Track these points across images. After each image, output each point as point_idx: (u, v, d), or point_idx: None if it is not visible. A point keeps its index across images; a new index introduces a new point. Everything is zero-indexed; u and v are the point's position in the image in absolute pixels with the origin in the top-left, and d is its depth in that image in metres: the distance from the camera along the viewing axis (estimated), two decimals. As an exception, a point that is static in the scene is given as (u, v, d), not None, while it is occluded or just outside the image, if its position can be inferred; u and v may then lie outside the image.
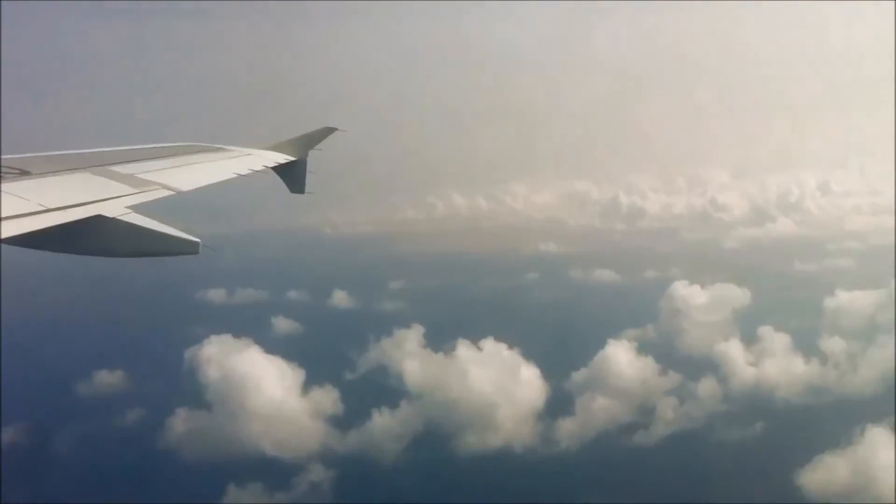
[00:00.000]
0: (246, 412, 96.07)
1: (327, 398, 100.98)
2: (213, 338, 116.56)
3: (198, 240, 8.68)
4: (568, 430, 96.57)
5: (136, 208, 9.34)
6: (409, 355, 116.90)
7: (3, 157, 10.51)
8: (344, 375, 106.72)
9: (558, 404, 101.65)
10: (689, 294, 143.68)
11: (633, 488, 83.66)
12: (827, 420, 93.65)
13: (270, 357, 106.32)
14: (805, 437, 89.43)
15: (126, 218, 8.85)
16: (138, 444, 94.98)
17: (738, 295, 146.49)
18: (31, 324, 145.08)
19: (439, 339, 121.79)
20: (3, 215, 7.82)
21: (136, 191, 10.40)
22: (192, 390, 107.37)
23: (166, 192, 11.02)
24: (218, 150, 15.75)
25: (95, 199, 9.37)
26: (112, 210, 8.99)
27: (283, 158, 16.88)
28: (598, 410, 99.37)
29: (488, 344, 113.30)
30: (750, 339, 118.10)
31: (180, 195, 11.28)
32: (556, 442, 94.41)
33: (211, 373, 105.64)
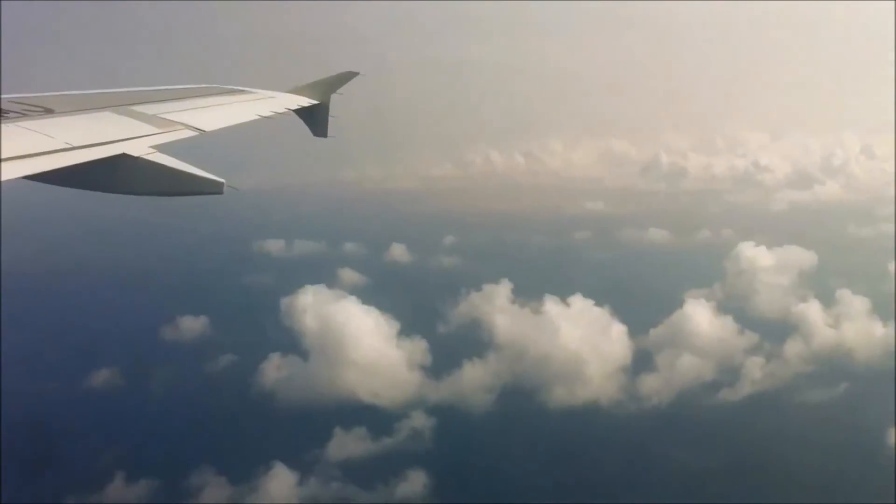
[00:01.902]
0: (339, 360, 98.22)
1: (417, 349, 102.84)
2: (308, 287, 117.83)
3: (222, 180, 8.70)
4: (652, 386, 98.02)
5: (160, 148, 9.43)
6: (479, 309, 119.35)
7: (27, 94, 10.74)
8: (428, 328, 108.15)
9: (640, 361, 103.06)
10: (756, 255, 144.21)
11: (719, 445, 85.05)
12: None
13: (365, 307, 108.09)
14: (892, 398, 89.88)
15: (150, 157, 8.95)
16: (234, 389, 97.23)
17: (804, 257, 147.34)
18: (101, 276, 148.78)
19: (490, 293, 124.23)
20: (30, 152, 8.00)
21: (160, 130, 10.45)
22: (277, 337, 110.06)
23: (190, 133, 11.05)
24: (240, 92, 15.73)
25: (119, 138, 9.48)
26: (136, 149, 9.06)
27: (305, 102, 16.92)
28: (680, 368, 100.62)
29: (554, 300, 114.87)
30: (824, 301, 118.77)
31: (204, 136, 11.30)
32: (641, 398, 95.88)
33: (304, 321, 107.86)
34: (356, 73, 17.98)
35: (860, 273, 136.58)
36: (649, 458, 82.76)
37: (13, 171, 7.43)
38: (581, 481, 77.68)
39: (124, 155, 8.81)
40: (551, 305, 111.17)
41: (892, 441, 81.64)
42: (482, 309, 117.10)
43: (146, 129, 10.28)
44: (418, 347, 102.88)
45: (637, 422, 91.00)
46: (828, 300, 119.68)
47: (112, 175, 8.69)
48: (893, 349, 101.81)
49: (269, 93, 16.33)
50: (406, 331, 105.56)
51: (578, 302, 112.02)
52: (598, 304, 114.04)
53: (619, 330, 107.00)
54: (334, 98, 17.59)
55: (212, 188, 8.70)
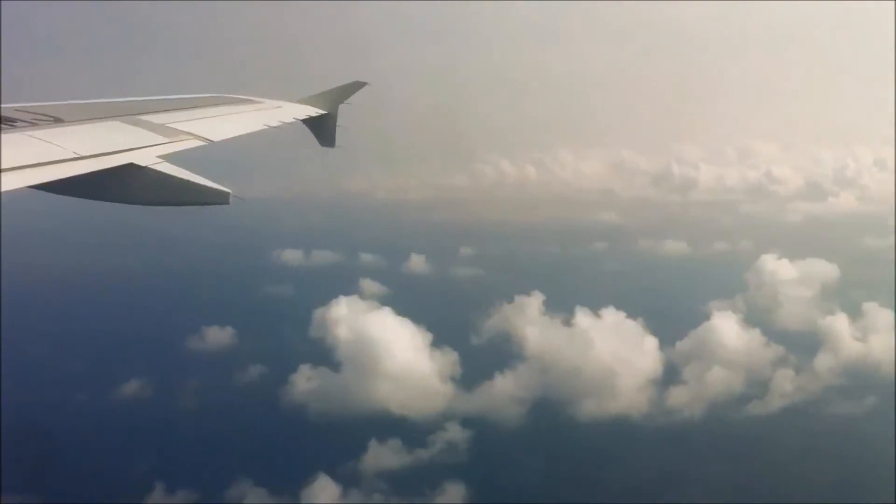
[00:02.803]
0: (372, 371, 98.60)
1: (447, 361, 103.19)
2: (341, 298, 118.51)
3: (228, 190, 8.73)
4: (681, 399, 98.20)
5: (167, 157, 9.45)
6: (508, 321, 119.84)
7: (37, 103, 10.73)
8: (456, 339, 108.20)
9: (667, 373, 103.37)
10: (777, 268, 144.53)
11: (750, 458, 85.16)
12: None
13: (397, 319, 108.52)
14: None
15: (157, 167, 8.97)
16: (265, 400, 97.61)
17: (826, 270, 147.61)
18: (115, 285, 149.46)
19: (519, 305, 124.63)
20: (39, 161, 7.99)
21: (168, 140, 10.46)
22: (305, 348, 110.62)
23: (197, 143, 11.05)
24: (248, 101, 15.71)
25: (127, 147, 9.49)
26: (143, 159, 9.08)
27: (313, 111, 16.81)
28: (709, 380, 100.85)
29: (583, 311, 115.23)
30: (848, 314, 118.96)
31: (212, 146, 11.27)
32: (671, 410, 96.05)
33: (335, 331, 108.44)
34: (364, 84, 17.96)
35: (882, 285, 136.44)
36: (680, 471, 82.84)
37: (21, 180, 7.51)
38: (614, 495, 77.83)
39: (132, 164, 8.87)
40: (579, 317, 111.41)
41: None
42: (511, 321, 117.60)
43: (154, 138, 10.37)
44: (448, 359, 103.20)
45: (667, 435, 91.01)
46: (851, 313, 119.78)
47: (119, 185, 8.75)
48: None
49: (277, 102, 16.40)
50: (435, 342, 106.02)
51: (607, 314, 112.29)
52: (609, 316, 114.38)
53: (647, 342, 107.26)
54: (342, 107, 17.56)
55: (218, 198, 8.81)
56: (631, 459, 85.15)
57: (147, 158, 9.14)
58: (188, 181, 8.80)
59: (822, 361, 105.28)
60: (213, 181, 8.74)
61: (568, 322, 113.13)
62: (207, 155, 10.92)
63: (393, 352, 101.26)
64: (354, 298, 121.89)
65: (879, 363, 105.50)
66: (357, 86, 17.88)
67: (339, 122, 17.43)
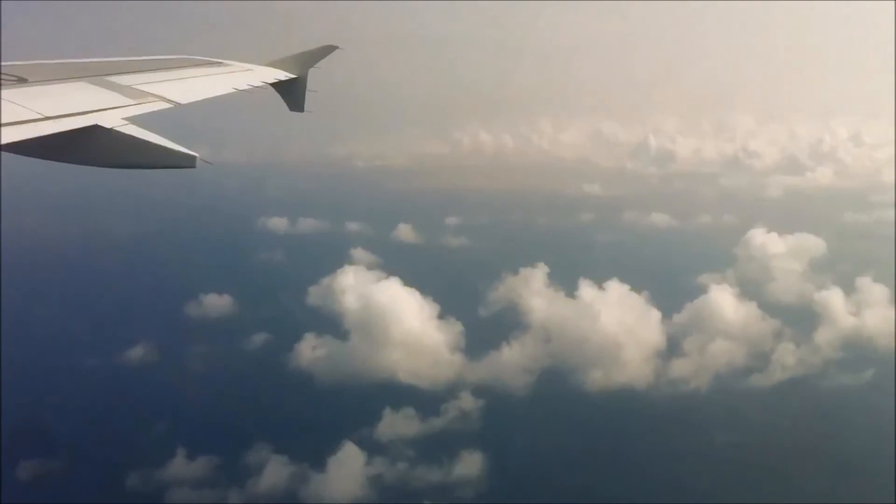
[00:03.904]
0: (380, 340, 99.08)
1: (452, 331, 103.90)
2: (347, 267, 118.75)
3: (195, 154, 8.47)
4: (684, 370, 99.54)
5: (133, 119, 9.20)
6: (508, 291, 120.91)
7: (1, 63, 10.39)
8: (459, 309, 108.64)
9: (668, 345, 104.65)
10: (766, 241, 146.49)
11: (756, 429, 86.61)
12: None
13: (401, 289, 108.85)
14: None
15: (123, 129, 8.77)
16: (272, 367, 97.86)
17: (814, 244, 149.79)
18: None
19: (521, 277, 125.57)
20: (3, 122, 7.82)
21: (134, 102, 10.29)
22: (307, 317, 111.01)
23: (164, 105, 10.88)
24: (217, 64, 15.39)
25: (93, 108, 9.30)
26: (109, 120, 8.89)
27: (282, 75, 16.52)
28: (711, 353, 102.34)
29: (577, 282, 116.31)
30: (842, 288, 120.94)
31: (183, 110, 11.10)
32: (675, 381, 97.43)
33: (342, 300, 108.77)
34: (335, 48, 17.66)
35: (870, 260, 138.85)
36: (688, 441, 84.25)
37: None
38: (627, 464, 79.09)
39: (97, 126, 8.67)
40: (579, 289, 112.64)
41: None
42: (513, 291, 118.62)
43: (120, 100, 10.19)
44: (454, 329, 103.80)
45: (673, 405, 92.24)
46: (843, 287, 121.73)
47: (84, 146, 8.53)
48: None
49: (246, 65, 16.11)
50: (440, 312, 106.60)
51: (608, 286, 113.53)
52: (609, 288, 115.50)
53: (648, 314, 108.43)
54: (317, 72, 17.23)
55: (184, 161, 8.47)
56: (640, 429, 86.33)
57: (113, 120, 8.93)
58: (154, 144, 8.53)
59: (821, 335, 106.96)
60: (183, 145, 8.46)
61: (569, 293, 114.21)
62: (176, 118, 10.82)
63: (399, 321, 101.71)
64: (357, 268, 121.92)
65: (875, 336, 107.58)
66: (328, 50, 17.56)
67: (309, 86, 17.09)
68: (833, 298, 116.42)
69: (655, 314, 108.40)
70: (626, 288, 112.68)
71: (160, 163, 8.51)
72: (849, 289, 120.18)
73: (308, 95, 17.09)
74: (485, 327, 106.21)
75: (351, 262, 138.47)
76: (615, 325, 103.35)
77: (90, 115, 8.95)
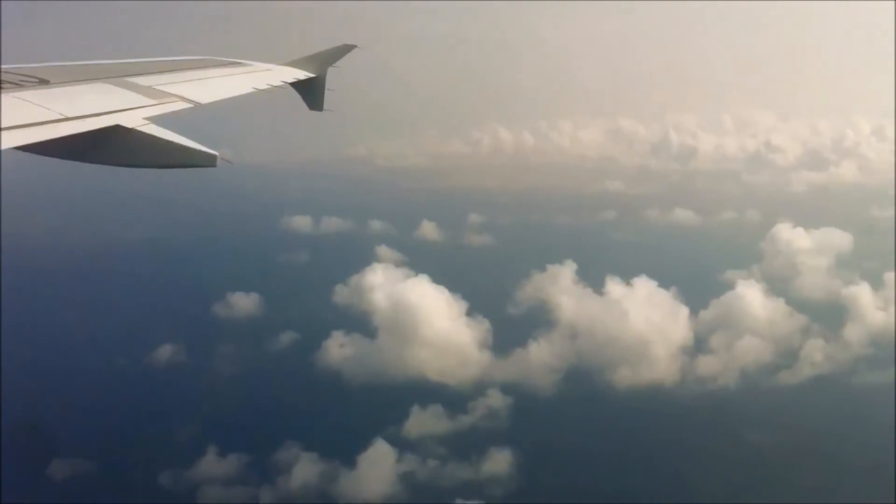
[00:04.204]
0: (407, 338, 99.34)
1: (479, 329, 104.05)
2: (375, 265, 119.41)
3: (215, 153, 8.51)
4: (711, 367, 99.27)
5: (154, 119, 9.28)
6: (532, 289, 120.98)
7: (23, 65, 10.56)
8: (486, 307, 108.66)
9: (695, 342, 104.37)
10: (793, 237, 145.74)
11: (786, 427, 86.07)
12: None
13: (428, 287, 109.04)
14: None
15: (144, 129, 8.84)
16: (301, 366, 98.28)
17: (840, 239, 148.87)
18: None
19: (547, 274, 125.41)
20: (25, 122, 7.95)
21: (155, 102, 10.38)
22: (334, 315, 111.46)
23: (185, 105, 10.98)
24: (236, 64, 15.49)
25: (114, 109, 9.37)
26: (130, 121, 8.97)
27: (301, 74, 16.59)
28: (738, 349, 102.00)
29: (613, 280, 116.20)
30: (870, 284, 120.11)
31: (203, 110, 11.21)
32: (703, 379, 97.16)
33: (370, 299, 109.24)
34: (353, 46, 17.70)
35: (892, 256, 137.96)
36: (719, 439, 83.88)
37: (7, 141, 7.48)
38: (658, 461, 78.96)
39: (118, 126, 8.76)
40: (606, 286, 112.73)
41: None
42: (540, 289, 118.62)
43: (141, 100, 10.28)
44: (481, 327, 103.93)
45: (703, 403, 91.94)
46: (871, 282, 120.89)
47: (106, 146, 8.61)
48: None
49: (266, 65, 16.23)
50: (467, 310, 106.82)
51: (635, 283, 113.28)
52: (635, 285, 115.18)
53: (676, 311, 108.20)
54: (337, 72, 17.29)
55: (205, 161, 8.53)
56: (668, 427, 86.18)
57: (134, 120, 9.04)
58: (175, 143, 8.60)
59: (850, 331, 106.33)
60: (204, 145, 8.51)
61: (596, 291, 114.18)
62: (197, 119, 10.90)
63: (427, 319, 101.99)
64: (384, 266, 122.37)
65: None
66: (346, 49, 17.66)
67: (328, 85, 17.23)
68: (861, 294, 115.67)
69: (683, 311, 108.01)
70: (653, 285, 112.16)
71: (181, 162, 8.63)
72: (877, 284, 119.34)
73: (327, 94, 17.27)
74: (512, 325, 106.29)
75: (376, 260, 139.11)
76: (642, 322, 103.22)
77: (111, 115, 9.07)
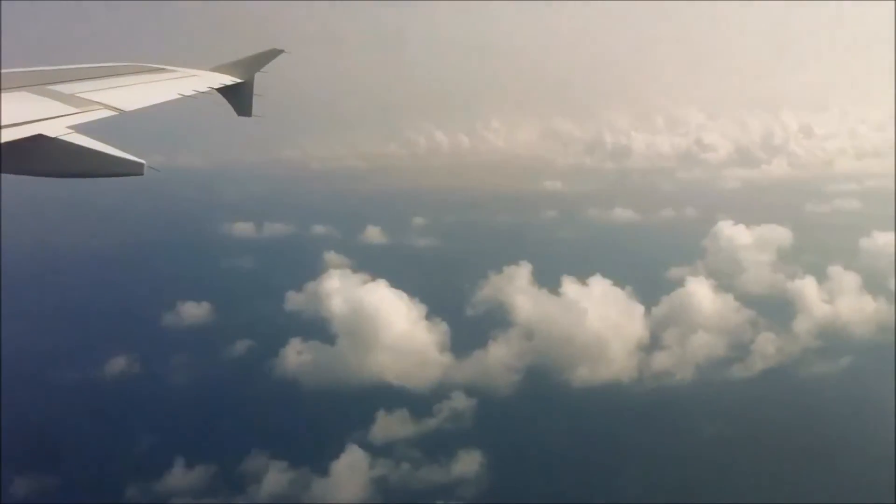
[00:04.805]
0: (366, 343, 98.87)
1: (436, 331, 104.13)
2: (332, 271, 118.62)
3: (142, 161, 8.29)
4: (666, 363, 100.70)
5: (78, 128, 9.03)
6: (486, 291, 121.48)
7: None
8: (441, 309, 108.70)
9: (650, 339, 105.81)
10: (734, 233, 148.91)
11: (742, 419, 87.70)
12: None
13: (392, 291, 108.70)
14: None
15: (68, 137, 8.57)
16: (260, 374, 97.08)
17: (780, 235, 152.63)
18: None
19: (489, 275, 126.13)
20: None
21: (78, 110, 10.08)
22: (289, 322, 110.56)
23: (109, 112, 10.68)
24: (161, 70, 15.16)
25: (35, 118, 9.10)
26: (53, 130, 8.69)
27: (228, 80, 16.35)
28: (691, 344, 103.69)
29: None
30: (814, 278, 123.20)
31: (129, 117, 10.94)
32: (659, 374, 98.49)
33: (328, 305, 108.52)
34: (281, 51, 17.48)
35: (833, 249, 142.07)
36: (677, 433, 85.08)
37: None
38: (622, 458, 79.71)
39: (40, 136, 8.47)
40: (545, 285, 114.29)
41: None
42: (493, 291, 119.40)
43: (63, 108, 9.97)
44: (439, 330, 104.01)
45: (659, 398, 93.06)
46: (814, 276, 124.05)
47: (28, 157, 8.28)
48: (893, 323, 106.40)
49: (192, 71, 15.92)
50: (422, 313, 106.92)
51: (572, 281, 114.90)
52: (586, 284, 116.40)
53: (628, 308, 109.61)
54: (267, 77, 17.12)
55: (131, 169, 8.31)
56: (627, 423, 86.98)
57: (57, 129, 8.74)
58: (100, 152, 8.36)
59: (798, 324, 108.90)
60: (134, 153, 8.30)
61: (551, 290, 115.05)
62: (124, 126, 10.73)
63: (387, 323, 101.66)
64: (340, 272, 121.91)
65: (850, 324, 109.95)
66: (273, 53, 17.42)
67: (256, 90, 17.02)
68: (806, 287, 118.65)
69: (637, 308, 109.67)
70: (607, 283, 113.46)
71: (107, 171, 8.37)
72: (820, 278, 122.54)
73: (257, 99, 17.05)
74: (470, 327, 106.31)
75: (325, 265, 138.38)
76: (597, 320, 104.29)
77: (33, 124, 8.77)
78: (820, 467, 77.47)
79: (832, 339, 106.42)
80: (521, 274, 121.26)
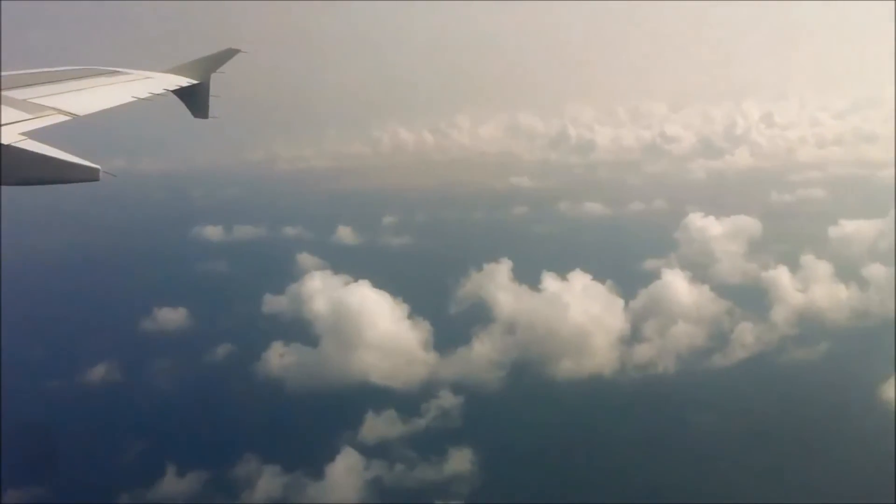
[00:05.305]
0: (348, 344, 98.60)
1: (419, 330, 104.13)
2: (314, 273, 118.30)
3: (97, 166, 8.16)
4: (647, 354, 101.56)
5: (31, 134, 8.84)
6: (464, 288, 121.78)
7: None
8: (423, 308, 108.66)
9: (631, 331, 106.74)
10: (705, 225, 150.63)
11: (721, 407, 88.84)
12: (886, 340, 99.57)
13: (373, 291, 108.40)
14: (874, 356, 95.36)
15: (21, 144, 8.40)
16: (243, 378, 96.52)
17: (750, 225, 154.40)
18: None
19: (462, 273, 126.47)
20: None
21: (31, 116, 9.97)
22: (269, 325, 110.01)
23: (62, 117, 10.54)
24: (115, 73, 14.92)
25: None
26: (6, 136, 8.53)
27: (184, 82, 16.04)
28: (670, 336, 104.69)
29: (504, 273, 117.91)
30: (787, 267, 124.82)
31: (84, 122, 10.83)
32: (641, 366, 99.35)
33: (309, 307, 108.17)
34: (238, 51, 17.22)
35: (802, 238, 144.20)
36: (663, 423, 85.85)
37: None
38: (612, 451, 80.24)
39: None
40: (528, 280, 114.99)
41: (892, 394, 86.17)
42: (473, 287, 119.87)
43: (16, 115, 9.80)
44: (421, 328, 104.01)
45: (644, 389, 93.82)
46: (787, 265, 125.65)
47: None
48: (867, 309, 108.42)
49: (146, 73, 15.66)
50: (406, 312, 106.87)
51: (551, 276, 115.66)
52: (565, 278, 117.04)
53: (611, 302, 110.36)
54: (229, 78, 16.89)
55: (87, 175, 8.14)
56: (612, 415, 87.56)
57: (9, 136, 8.55)
58: (55, 158, 8.18)
59: (775, 313, 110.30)
60: (92, 159, 8.15)
61: (531, 286, 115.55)
62: (81, 131, 10.64)
63: (369, 323, 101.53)
64: (321, 273, 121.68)
65: (824, 311, 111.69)
66: (230, 53, 17.12)
67: (214, 91, 16.74)
68: (780, 276, 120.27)
69: (616, 301, 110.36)
70: (586, 277, 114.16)
71: (62, 178, 8.20)
72: (793, 267, 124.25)
73: (215, 101, 16.84)
74: (453, 324, 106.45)
75: (300, 267, 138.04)
76: (579, 314, 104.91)
77: None
78: (803, 451, 78.69)
79: (808, 326, 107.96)
80: (501, 270, 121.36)
